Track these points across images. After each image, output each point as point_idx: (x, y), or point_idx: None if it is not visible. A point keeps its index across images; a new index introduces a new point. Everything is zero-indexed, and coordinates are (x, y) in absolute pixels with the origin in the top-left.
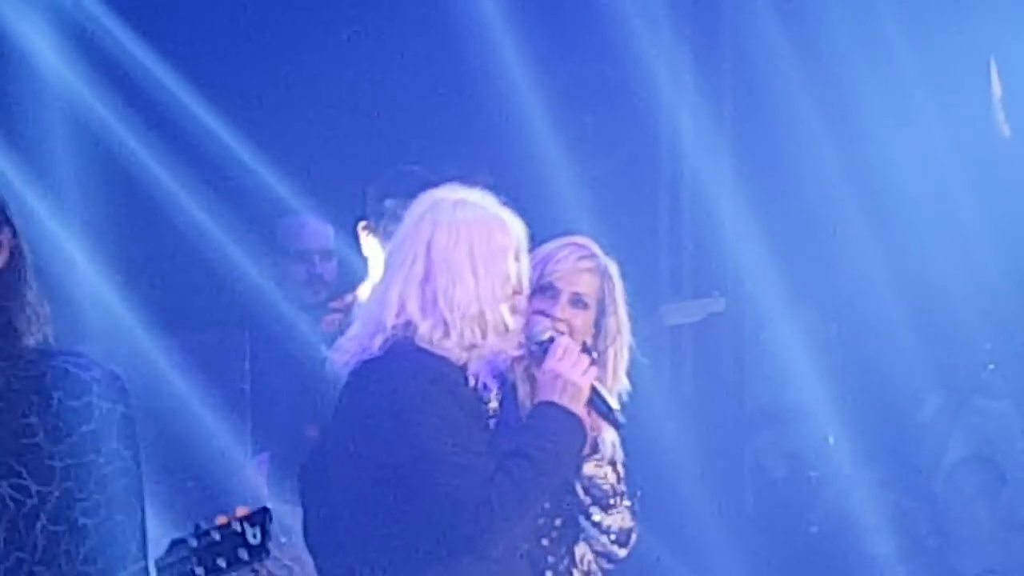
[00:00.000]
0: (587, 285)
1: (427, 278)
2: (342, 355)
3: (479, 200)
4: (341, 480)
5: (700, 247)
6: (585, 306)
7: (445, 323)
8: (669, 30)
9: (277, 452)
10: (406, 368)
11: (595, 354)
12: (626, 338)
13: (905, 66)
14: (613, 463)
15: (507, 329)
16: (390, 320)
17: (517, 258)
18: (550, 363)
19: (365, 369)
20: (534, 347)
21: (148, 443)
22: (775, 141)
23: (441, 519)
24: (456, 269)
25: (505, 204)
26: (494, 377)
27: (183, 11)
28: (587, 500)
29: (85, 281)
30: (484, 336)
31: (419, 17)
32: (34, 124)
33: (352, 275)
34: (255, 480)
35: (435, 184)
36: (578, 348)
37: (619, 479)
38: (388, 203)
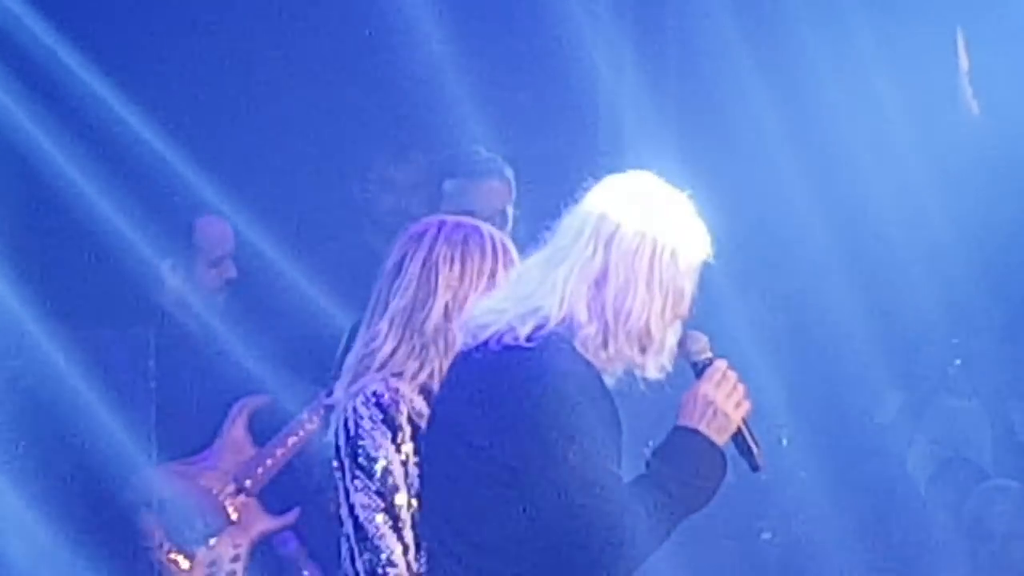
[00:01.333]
0: None
1: (602, 277)
2: (479, 327)
3: (673, 204)
4: (457, 469)
5: None
6: None
7: (607, 331)
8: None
9: (180, 453)
10: (559, 370)
11: None
12: None
13: (864, 43)
14: None
15: (664, 349)
16: (552, 310)
17: (694, 278)
18: (705, 387)
19: (511, 357)
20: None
21: (42, 444)
22: (722, 122)
23: (566, 539)
24: (634, 277)
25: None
26: None
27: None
28: None
29: None
30: (642, 353)
31: None
32: None
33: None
34: (152, 483)
35: (495, 164)
36: (736, 376)
37: None
38: (447, 185)
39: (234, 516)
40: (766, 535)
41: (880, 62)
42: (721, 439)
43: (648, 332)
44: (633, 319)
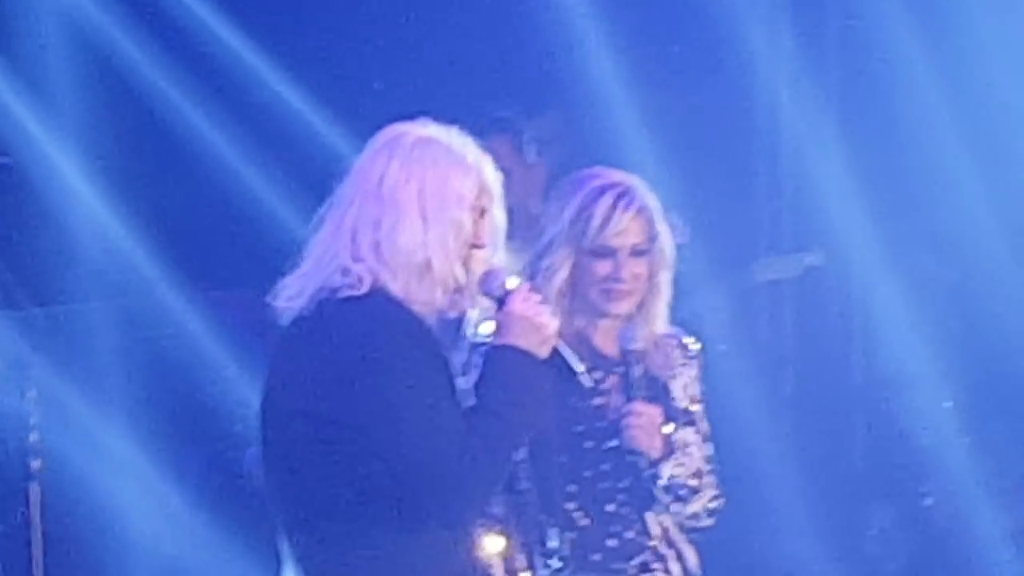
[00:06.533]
0: (641, 232)
1: (378, 220)
2: (291, 297)
3: (447, 139)
4: (289, 441)
5: (801, 194)
6: (645, 252)
7: (393, 270)
8: None
9: None
10: (376, 316)
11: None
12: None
13: None
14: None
15: (457, 284)
16: (348, 261)
17: (479, 209)
18: (513, 305)
19: (329, 315)
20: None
21: (178, 414)
22: (883, 79)
23: (407, 485)
24: (403, 210)
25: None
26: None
27: None
28: (668, 498)
29: (93, 224)
30: (437, 290)
31: None
32: (33, 43)
33: None
34: None
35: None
36: (539, 296)
37: (703, 460)
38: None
39: None
40: (928, 501)
41: None
42: (541, 352)
43: (430, 266)
44: (410, 254)
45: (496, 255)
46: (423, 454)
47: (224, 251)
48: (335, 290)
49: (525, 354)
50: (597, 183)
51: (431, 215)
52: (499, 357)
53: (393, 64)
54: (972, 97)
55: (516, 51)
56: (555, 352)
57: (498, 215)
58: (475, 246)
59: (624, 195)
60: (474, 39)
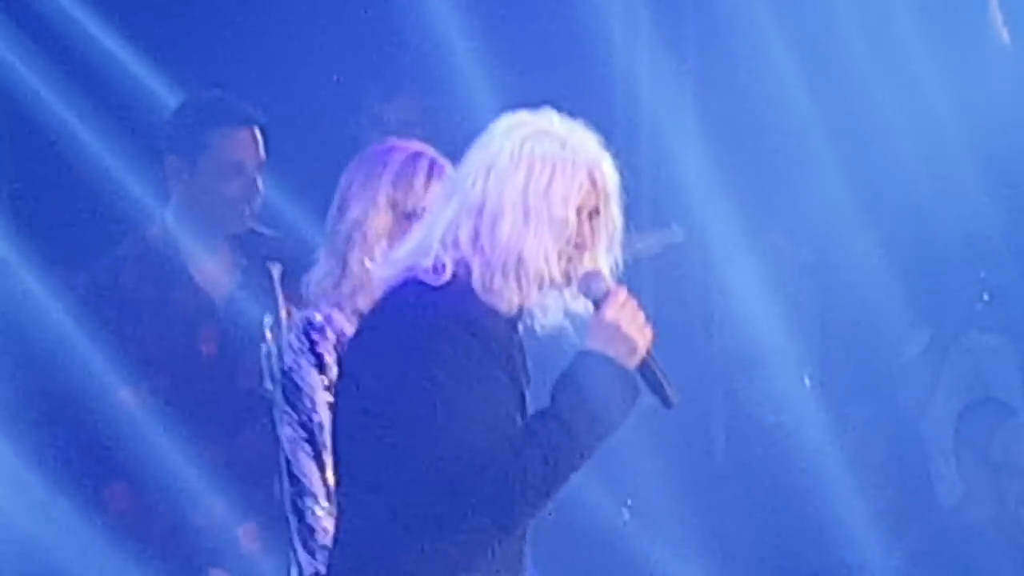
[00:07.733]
0: None
1: (479, 208)
2: (388, 270)
3: (563, 134)
4: (351, 409)
5: (660, 171)
6: None
7: (486, 263)
8: None
9: None
10: (445, 308)
11: None
12: None
13: None
14: None
15: (555, 283)
16: (438, 247)
17: (589, 209)
18: (606, 311)
19: (407, 298)
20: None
21: (34, 396)
22: (740, 56)
23: (456, 479)
24: (505, 204)
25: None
26: None
27: None
28: None
29: None
30: (530, 289)
31: None
32: None
33: None
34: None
35: (249, 113)
36: (635, 302)
37: None
38: (210, 134)
39: None
40: (787, 479)
41: None
42: (629, 363)
43: (525, 264)
44: (507, 249)
45: (606, 255)
46: (470, 454)
47: (85, 234)
48: (418, 273)
49: (611, 363)
50: (407, 150)
51: (533, 213)
52: (583, 363)
53: (253, 48)
54: (830, 76)
55: (372, 32)
56: (644, 365)
57: (612, 214)
58: (579, 247)
59: (435, 161)
60: (331, 21)
